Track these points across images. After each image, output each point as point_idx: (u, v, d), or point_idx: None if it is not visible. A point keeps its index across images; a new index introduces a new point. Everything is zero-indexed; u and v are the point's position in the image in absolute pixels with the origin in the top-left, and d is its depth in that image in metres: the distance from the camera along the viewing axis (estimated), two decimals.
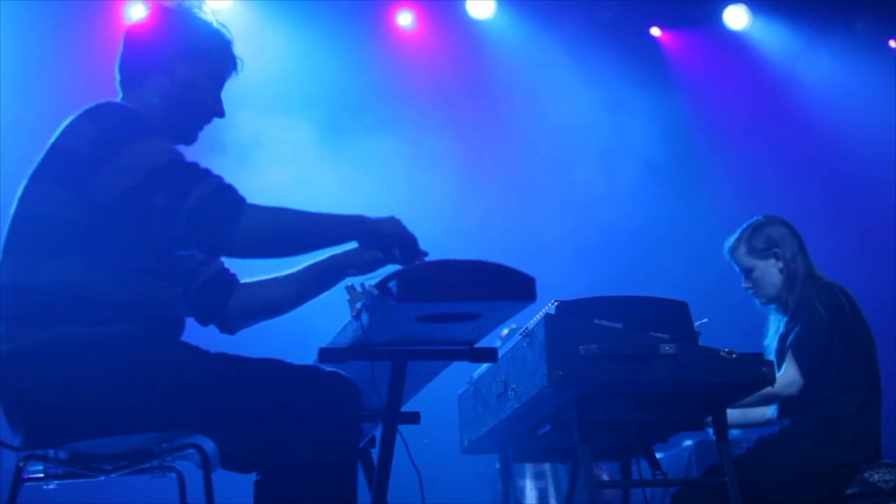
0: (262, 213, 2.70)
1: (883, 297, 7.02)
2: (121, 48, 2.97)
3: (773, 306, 4.40)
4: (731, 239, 4.43)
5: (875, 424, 4.16)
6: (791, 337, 4.20)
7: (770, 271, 4.32)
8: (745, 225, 4.44)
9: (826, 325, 4.14)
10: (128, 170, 2.66)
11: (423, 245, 2.87)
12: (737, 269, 4.43)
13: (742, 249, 4.37)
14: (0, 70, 6.76)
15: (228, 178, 2.74)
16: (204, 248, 2.76)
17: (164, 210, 2.64)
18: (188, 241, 2.71)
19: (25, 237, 2.72)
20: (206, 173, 2.70)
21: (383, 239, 2.82)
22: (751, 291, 4.40)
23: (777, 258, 4.31)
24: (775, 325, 4.39)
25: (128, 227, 2.69)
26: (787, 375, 4.09)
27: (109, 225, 2.68)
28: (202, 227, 2.65)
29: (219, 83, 3.00)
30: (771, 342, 4.38)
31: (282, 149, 7.33)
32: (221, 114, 3.00)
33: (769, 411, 4.40)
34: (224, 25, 3.02)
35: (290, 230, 2.74)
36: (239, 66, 3.02)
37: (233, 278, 3.15)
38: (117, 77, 2.96)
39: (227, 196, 2.68)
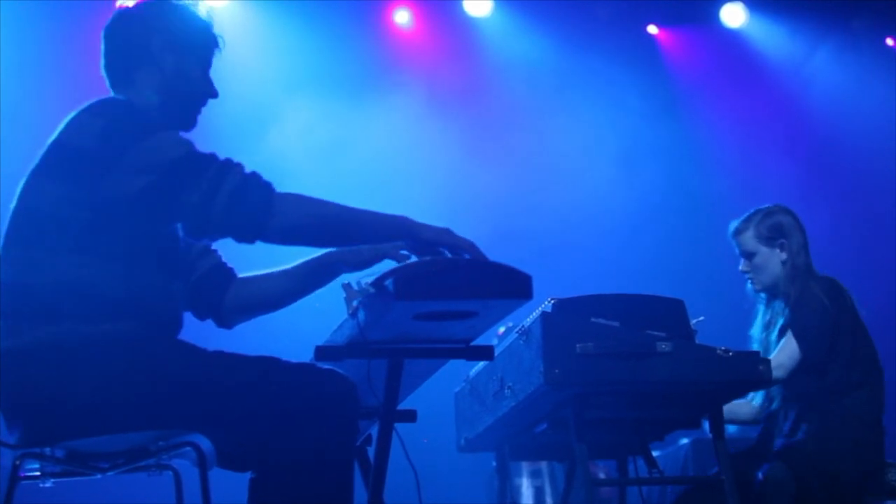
0: (295, 202, 2.72)
1: (882, 296, 7.02)
2: (103, 48, 2.93)
3: (763, 297, 4.39)
4: (739, 220, 4.40)
5: (882, 425, 4.16)
6: (793, 325, 4.17)
7: (773, 260, 4.31)
8: (755, 209, 4.40)
9: (830, 315, 4.13)
10: (145, 166, 2.66)
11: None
12: (737, 251, 4.41)
13: (749, 233, 4.34)
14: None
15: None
16: (240, 237, 2.75)
17: (196, 205, 2.65)
18: (224, 232, 2.72)
19: (25, 234, 2.71)
20: (229, 163, 2.72)
21: (430, 245, 2.78)
22: (747, 276, 4.38)
23: (782, 249, 4.30)
24: (764, 316, 4.39)
25: (136, 223, 2.69)
26: (776, 359, 4.06)
27: (112, 222, 2.67)
28: (238, 217, 2.67)
29: (207, 64, 2.99)
30: (756, 332, 4.38)
31: (274, 152, 7.32)
32: (215, 94, 2.99)
33: (755, 412, 4.39)
34: (201, 6, 3.00)
35: (326, 221, 2.75)
36: (221, 44, 3.00)
37: (230, 272, 3.15)
38: (105, 77, 2.93)
39: (257, 184, 2.70)
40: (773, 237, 4.31)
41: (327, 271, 3.09)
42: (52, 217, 2.68)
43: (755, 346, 4.31)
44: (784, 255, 4.29)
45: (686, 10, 8.27)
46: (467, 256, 2.74)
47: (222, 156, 2.73)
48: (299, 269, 3.10)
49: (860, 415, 4.08)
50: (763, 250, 4.32)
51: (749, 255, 4.35)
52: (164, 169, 2.66)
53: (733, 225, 4.41)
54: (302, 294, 3.15)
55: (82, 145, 2.69)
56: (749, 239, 4.34)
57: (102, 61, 2.93)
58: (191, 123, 2.97)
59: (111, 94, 2.93)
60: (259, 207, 2.68)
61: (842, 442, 4.03)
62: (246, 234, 2.72)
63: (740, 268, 4.39)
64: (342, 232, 2.79)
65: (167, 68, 2.90)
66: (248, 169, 2.73)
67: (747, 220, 4.37)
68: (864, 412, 4.09)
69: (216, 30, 2.99)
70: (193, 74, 2.93)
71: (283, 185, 2.75)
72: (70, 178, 2.68)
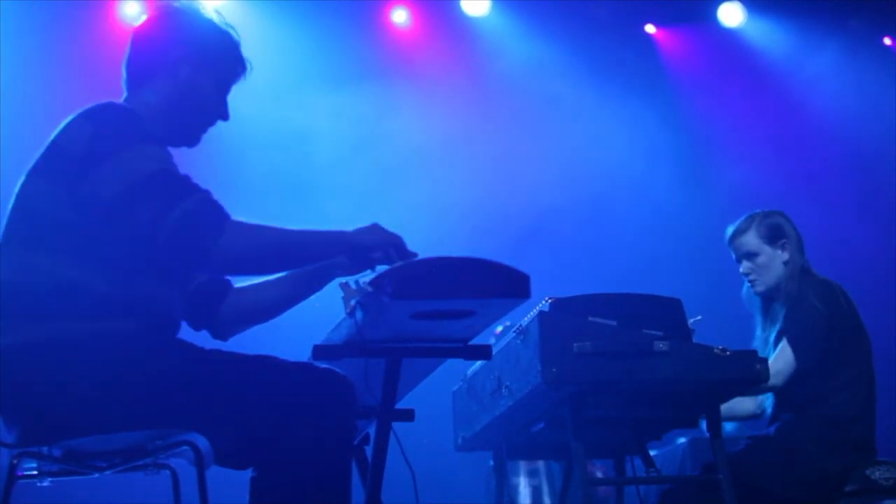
0: (244, 231, 2.69)
1: (882, 295, 7.03)
2: (129, 47, 2.96)
3: (758, 303, 4.39)
4: (739, 222, 4.39)
5: (872, 426, 4.15)
6: (789, 331, 4.18)
7: (776, 260, 4.31)
8: (752, 212, 4.41)
9: (824, 321, 4.14)
10: (118, 176, 2.65)
11: (417, 243, 2.87)
12: (734, 256, 4.41)
13: (752, 233, 4.33)
14: None
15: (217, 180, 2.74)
16: (184, 264, 2.76)
17: (146, 223, 2.64)
18: (170, 254, 2.68)
19: (22, 233, 2.72)
20: (194, 188, 2.69)
21: (366, 251, 2.83)
22: (749, 277, 4.37)
23: (784, 249, 4.31)
24: (762, 323, 4.39)
25: (115, 227, 2.69)
26: (773, 366, 4.06)
27: (102, 225, 2.68)
28: (183, 243, 2.64)
29: (224, 86, 2.99)
30: (757, 342, 4.37)
31: (271, 155, 7.31)
32: (226, 117, 3.00)
33: (758, 406, 4.40)
34: (231, 26, 3.02)
35: (271, 249, 2.74)
36: (248, 68, 3.02)
37: (226, 283, 3.15)
38: (123, 75, 2.96)
39: (210, 213, 2.67)
40: (775, 237, 4.32)
41: (322, 276, 3.09)
42: (45, 217, 2.70)
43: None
44: (786, 256, 4.30)
45: (684, 9, 8.27)
46: (395, 256, 2.78)
47: (195, 179, 2.72)
48: (293, 275, 3.10)
49: (836, 417, 4.08)
50: (767, 249, 4.32)
51: (752, 256, 4.33)
52: (131, 183, 2.65)
53: (732, 228, 4.39)
54: (297, 300, 3.15)
55: (70, 148, 2.70)
56: (752, 239, 4.33)
57: (125, 59, 2.96)
58: (193, 140, 2.98)
59: (125, 92, 2.95)
60: (206, 236, 2.63)
61: (812, 444, 4.05)
62: (190, 260, 2.68)
63: (742, 269, 4.37)
64: (285, 257, 2.79)
65: (180, 79, 2.91)
66: (211, 197, 2.70)
67: (749, 220, 4.37)
68: (842, 414, 4.09)
69: (245, 56, 3.01)
70: (206, 91, 2.94)
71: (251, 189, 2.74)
72: (60, 180, 2.70)
